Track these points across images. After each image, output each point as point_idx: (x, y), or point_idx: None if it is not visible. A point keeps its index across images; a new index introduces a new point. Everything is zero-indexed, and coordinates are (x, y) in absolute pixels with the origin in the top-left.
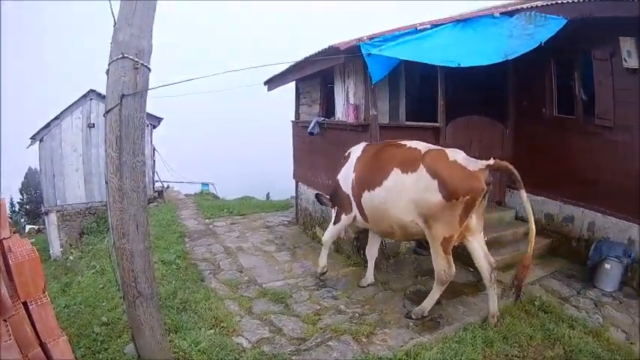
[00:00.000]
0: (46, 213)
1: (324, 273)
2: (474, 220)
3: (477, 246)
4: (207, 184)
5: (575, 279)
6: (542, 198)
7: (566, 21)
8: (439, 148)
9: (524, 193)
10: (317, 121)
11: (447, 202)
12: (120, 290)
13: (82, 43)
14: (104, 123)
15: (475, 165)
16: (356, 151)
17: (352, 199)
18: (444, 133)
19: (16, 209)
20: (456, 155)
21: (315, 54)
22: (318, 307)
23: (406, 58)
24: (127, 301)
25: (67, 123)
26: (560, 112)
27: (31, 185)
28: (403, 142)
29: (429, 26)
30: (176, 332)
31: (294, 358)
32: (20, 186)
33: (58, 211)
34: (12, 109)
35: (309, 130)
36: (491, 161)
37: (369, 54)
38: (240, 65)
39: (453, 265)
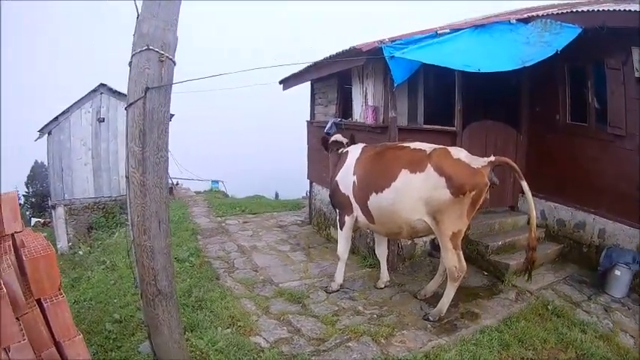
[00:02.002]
0: (54, 207)
1: (338, 290)
2: None
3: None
4: (217, 182)
5: (586, 284)
6: (555, 204)
7: (580, 30)
8: (442, 147)
9: (525, 184)
10: (334, 122)
11: (455, 197)
12: (137, 288)
13: (87, 39)
14: (125, 116)
15: (478, 162)
16: (354, 152)
17: (353, 200)
18: (460, 137)
19: (22, 202)
20: (459, 153)
21: (335, 55)
22: (336, 308)
23: (427, 61)
24: (145, 299)
25: (76, 117)
26: (573, 120)
27: (37, 178)
28: (405, 144)
29: (448, 30)
30: (192, 331)
31: (313, 358)
32: (26, 179)
33: (65, 205)
34: (19, 100)
35: (325, 131)
36: (493, 158)
37: (392, 56)
38: (255, 63)
39: (464, 261)
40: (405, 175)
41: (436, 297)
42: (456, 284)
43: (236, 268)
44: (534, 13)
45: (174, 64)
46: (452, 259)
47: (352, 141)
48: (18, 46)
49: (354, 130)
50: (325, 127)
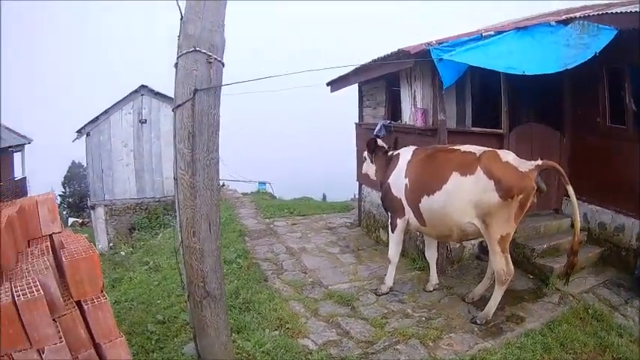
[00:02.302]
0: (93, 207)
1: (388, 293)
2: None
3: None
4: (264, 183)
5: (624, 288)
6: (596, 207)
7: (616, 31)
8: (491, 149)
9: (570, 188)
10: (383, 124)
11: (503, 201)
12: (184, 289)
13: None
14: (173, 118)
15: (525, 165)
16: (405, 155)
17: (405, 203)
18: (507, 140)
19: (59, 202)
20: (508, 156)
21: (383, 57)
22: (385, 311)
23: (474, 64)
24: (193, 301)
25: (116, 118)
26: (612, 122)
27: (74, 178)
28: (456, 147)
29: (492, 32)
30: (238, 333)
31: None
32: (62, 179)
33: (106, 206)
34: (55, 100)
35: (375, 133)
36: (540, 162)
37: (441, 59)
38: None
39: (511, 264)
40: (455, 177)
41: (483, 300)
42: (503, 287)
43: (285, 270)
44: (572, 15)
45: (223, 66)
46: (500, 262)
47: (395, 146)
48: (55, 45)
49: (403, 133)
50: (374, 129)
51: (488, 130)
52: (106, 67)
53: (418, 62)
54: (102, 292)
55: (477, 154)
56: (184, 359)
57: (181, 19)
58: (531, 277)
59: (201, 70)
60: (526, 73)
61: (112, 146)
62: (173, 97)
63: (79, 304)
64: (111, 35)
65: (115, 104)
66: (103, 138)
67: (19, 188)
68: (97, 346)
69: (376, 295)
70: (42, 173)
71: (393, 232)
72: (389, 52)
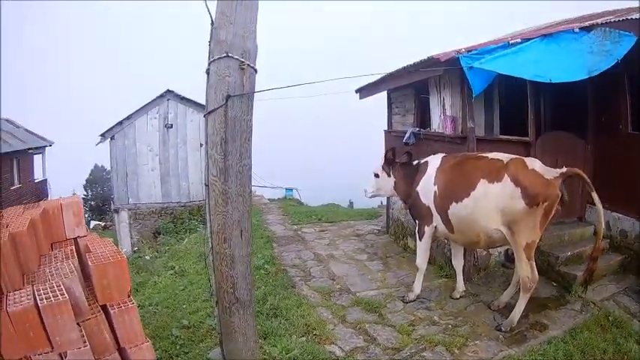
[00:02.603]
0: (116, 211)
1: (415, 301)
2: None
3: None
4: (291, 190)
5: None
6: (619, 215)
7: (637, 38)
8: (518, 157)
9: (595, 195)
10: (412, 132)
11: (529, 208)
12: (213, 295)
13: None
14: (205, 123)
15: (550, 173)
16: (434, 162)
17: (434, 210)
18: (533, 148)
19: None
20: (534, 164)
21: (413, 65)
22: (413, 318)
23: (503, 72)
24: (222, 306)
25: (142, 122)
26: (634, 129)
27: (96, 182)
28: (484, 154)
29: (519, 40)
30: (265, 338)
31: None
32: (84, 182)
33: (130, 210)
34: (79, 104)
35: (404, 140)
36: (564, 169)
37: (471, 67)
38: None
39: (536, 271)
40: (483, 184)
41: (509, 308)
42: (527, 295)
43: (312, 277)
44: (595, 21)
45: (256, 72)
46: (525, 269)
47: (409, 159)
48: (80, 48)
49: (432, 141)
50: (404, 136)
51: (515, 138)
52: (129, 71)
53: (447, 70)
54: (129, 296)
55: (505, 162)
56: None
57: (212, 24)
58: (555, 284)
59: (234, 77)
60: (553, 81)
61: (137, 150)
62: (200, 102)
63: (104, 308)
64: (135, 40)
65: (140, 108)
66: (128, 142)
67: (40, 190)
68: (121, 351)
69: (403, 302)
70: (63, 176)
71: (420, 239)
72: (418, 60)
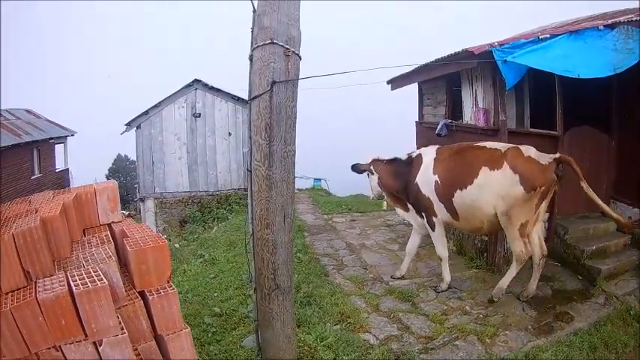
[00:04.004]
0: (142, 199)
1: (448, 290)
2: (542, 209)
3: (535, 235)
4: (319, 180)
5: None
6: None
7: None
8: (514, 145)
9: (584, 184)
10: (445, 123)
11: (527, 193)
12: (252, 281)
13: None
14: (248, 109)
15: (545, 159)
16: (428, 154)
17: (435, 199)
18: (561, 142)
19: None
20: (529, 151)
21: (446, 57)
22: (445, 307)
23: (535, 66)
24: (260, 293)
25: (169, 111)
26: None
27: (120, 171)
28: (482, 144)
29: (548, 35)
30: (299, 326)
31: (421, 356)
32: (107, 172)
33: (156, 199)
34: (105, 95)
35: (437, 132)
36: (557, 155)
37: (505, 60)
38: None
39: (529, 246)
40: (485, 172)
41: (537, 299)
42: (519, 266)
43: (345, 266)
44: (618, 19)
45: (300, 59)
46: (519, 245)
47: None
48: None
49: (464, 132)
50: (435, 127)
51: (544, 131)
52: (154, 62)
53: (480, 63)
54: (168, 282)
55: (503, 151)
56: (243, 352)
57: (254, 11)
58: (580, 277)
59: (279, 63)
60: (581, 77)
61: (164, 139)
62: (228, 91)
63: (141, 294)
64: (161, 34)
65: (167, 98)
66: (155, 131)
67: (61, 180)
68: (157, 338)
69: (436, 292)
70: (85, 165)
71: (433, 230)
72: (452, 52)
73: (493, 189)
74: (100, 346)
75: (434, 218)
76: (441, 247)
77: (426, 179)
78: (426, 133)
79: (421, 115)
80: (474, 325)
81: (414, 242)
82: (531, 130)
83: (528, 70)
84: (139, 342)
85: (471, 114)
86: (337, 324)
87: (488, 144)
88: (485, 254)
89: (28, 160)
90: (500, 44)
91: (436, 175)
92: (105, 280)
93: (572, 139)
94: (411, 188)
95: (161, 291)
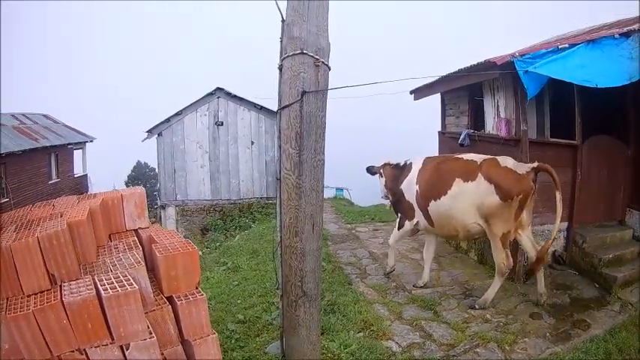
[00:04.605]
0: (163, 207)
1: (392, 272)
2: (525, 216)
3: (527, 239)
4: (341, 189)
5: None
6: None
7: None
8: (492, 157)
9: (558, 194)
10: (467, 133)
11: (503, 202)
12: (279, 288)
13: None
14: (277, 118)
15: (523, 168)
16: (416, 163)
17: (416, 207)
18: (580, 151)
19: None
20: (507, 161)
21: (468, 67)
22: (466, 316)
23: (555, 76)
24: (287, 300)
25: (191, 119)
26: None
27: (139, 178)
28: (460, 156)
29: (567, 45)
30: (323, 334)
31: None
32: (126, 178)
33: (177, 206)
34: (123, 103)
35: (459, 142)
36: (535, 164)
37: (526, 71)
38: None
39: (511, 258)
40: (459, 183)
41: (555, 307)
42: (502, 278)
43: (368, 274)
44: (632, 27)
45: (329, 69)
46: (501, 256)
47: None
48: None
49: (487, 142)
50: (458, 138)
51: (564, 141)
52: (176, 72)
53: (502, 73)
54: (196, 288)
55: (478, 162)
56: (266, 358)
57: (282, 20)
58: (597, 285)
59: (308, 73)
60: (599, 86)
61: (186, 147)
62: (251, 100)
63: (169, 299)
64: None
65: (189, 106)
66: (176, 139)
67: (80, 185)
68: (184, 343)
69: (386, 276)
70: (105, 172)
71: (398, 230)
72: (474, 63)
73: (468, 199)
74: (127, 350)
75: (406, 222)
76: (395, 241)
77: (410, 187)
78: (448, 143)
79: (444, 125)
80: (495, 333)
81: (429, 248)
82: (551, 139)
83: (548, 80)
84: (165, 347)
85: (493, 124)
86: (360, 332)
87: (467, 156)
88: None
89: (46, 165)
90: (521, 54)
91: (417, 185)
92: (135, 285)
93: (590, 149)
94: (396, 191)
95: (190, 297)
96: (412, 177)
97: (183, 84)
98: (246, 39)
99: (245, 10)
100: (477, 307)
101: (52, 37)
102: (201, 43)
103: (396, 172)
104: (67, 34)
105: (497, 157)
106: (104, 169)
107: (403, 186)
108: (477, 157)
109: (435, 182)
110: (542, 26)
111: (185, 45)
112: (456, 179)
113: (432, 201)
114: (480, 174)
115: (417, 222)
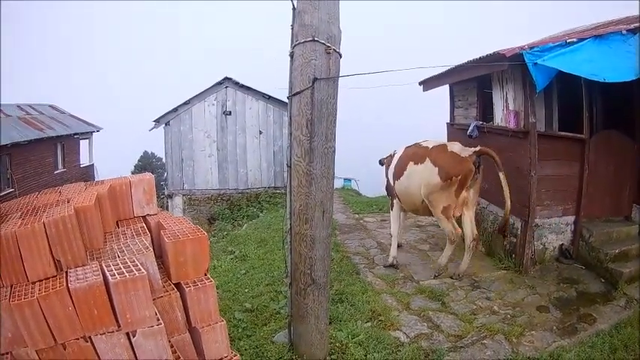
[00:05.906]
0: (170, 196)
1: (394, 265)
2: (471, 196)
3: (468, 219)
4: (349, 180)
5: None
6: None
7: None
8: (442, 142)
9: (502, 175)
10: (476, 125)
11: (443, 182)
12: (288, 276)
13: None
14: (288, 105)
15: (466, 152)
16: (399, 151)
17: (394, 187)
18: (587, 145)
19: None
20: (453, 147)
21: (478, 59)
22: (474, 307)
23: (564, 69)
24: (296, 288)
25: (199, 109)
26: None
27: (145, 168)
28: (420, 142)
29: (575, 40)
30: (331, 323)
31: (451, 354)
32: (133, 168)
33: (184, 195)
34: (130, 93)
35: (468, 133)
36: (477, 148)
37: (535, 63)
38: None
39: (458, 227)
40: (411, 166)
41: (562, 300)
42: (452, 246)
43: (376, 264)
44: (638, 24)
45: (341, 57)
46: (448, 226)
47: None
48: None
49: (495, 134)
50: (467, 129)
51: (571, 134)
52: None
53: (511, 65)
54: (205, 274)
55: (430, 148)
56: (274, 347)
57: (293, 8)
58: (603, 280)
59: (320, 60)
60: (606, 81)
61: (194, 136)
62: (259, 90)
63: (177, 285)
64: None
65: (197, 95)
66: (184, 128)
67: (86, 175)
68: (191, 330)
69: (384, 267)
70: (111, 162)
71: (391, 209)
72: (483, 55)
73: (417, 179)
74: (133, 337)
75: (394, 201)
76: (396, 226)
77: (391, 170)
78: (457, 135)
79: (452, 116)
80: (502, 325)
81: (395, 224)
82: (560, 133)
83: (557, 73)
84: (172, 334)
85: (501, 116)
86: (368, 321)
87: (425, 143)
88: (513, 255)
89: (52, 155)
90: (531, 47)
91: (394, 168)
92: (143, 270)
93: (598, 143)
94: (386, 175)
95: (198, 283)
96: (393, 162)
97: (183, 84)
98: (247, 39)
99: (245, 11)
100: (436, 274)
101: (52, 37)
102: (201, 43)
103: (388, 160)
104: (66, 34)
105: (447, 142)
106: (111, 158)
107: (389, 170)
108: (430, 143)
109: (400, 165)
110: (543, 26)
111: (185, 45)
112: (410, 162)
113: (397, 180)
114: (427, 158)
115: (398, 199)
